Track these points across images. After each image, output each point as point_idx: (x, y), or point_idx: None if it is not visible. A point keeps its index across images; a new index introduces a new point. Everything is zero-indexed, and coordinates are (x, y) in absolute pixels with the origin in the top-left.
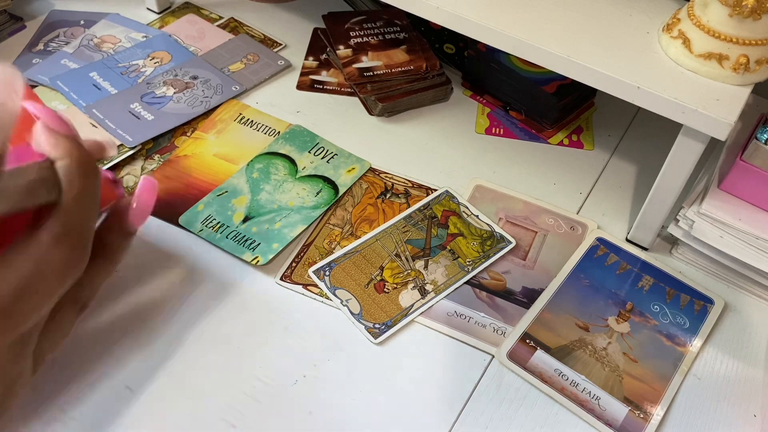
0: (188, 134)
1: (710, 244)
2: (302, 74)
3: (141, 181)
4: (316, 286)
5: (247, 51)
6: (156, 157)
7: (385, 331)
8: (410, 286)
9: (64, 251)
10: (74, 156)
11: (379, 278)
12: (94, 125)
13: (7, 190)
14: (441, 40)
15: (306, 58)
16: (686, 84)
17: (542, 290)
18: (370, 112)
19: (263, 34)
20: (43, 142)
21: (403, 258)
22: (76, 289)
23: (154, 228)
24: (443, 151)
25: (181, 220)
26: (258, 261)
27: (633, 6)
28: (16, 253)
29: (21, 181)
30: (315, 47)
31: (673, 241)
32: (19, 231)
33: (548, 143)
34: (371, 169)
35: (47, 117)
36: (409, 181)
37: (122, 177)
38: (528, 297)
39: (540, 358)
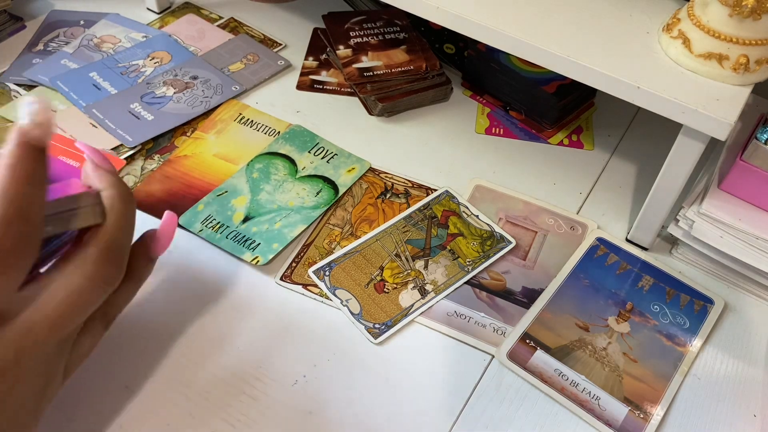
0: (188, 134)
1: (710, 244)
2: (302, 74)
3: (165, 215)
4: (316, 286)
5: (247, 51)
6: (156, 157)
7: (385, 331)
8: (410, 286)
9: (106, 266)
10: (117, 187)
11: (379, 278)
12: (93, 125)
13: (62, 214)
14: (441, 40)
15: (306, 58)
16: (686, 84)
17: (542, 290)
18: (370, 112)
19: (263, 34)
20: (91, 175)
21: (403, 258)
22: (107, 306)
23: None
24: (443, 151)
25: (181, 220)
26: (258, 261)
27: (633, 6)
28: (69, 264)
29: (73, 205)
30: (315, 47)
31: (673, 241)
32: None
33: (548, 143)
34: (371, 169)
35: (93, 154)
36: (409, 181)
37: (122, 177)
38: (528, 297)
39: (540, 358)
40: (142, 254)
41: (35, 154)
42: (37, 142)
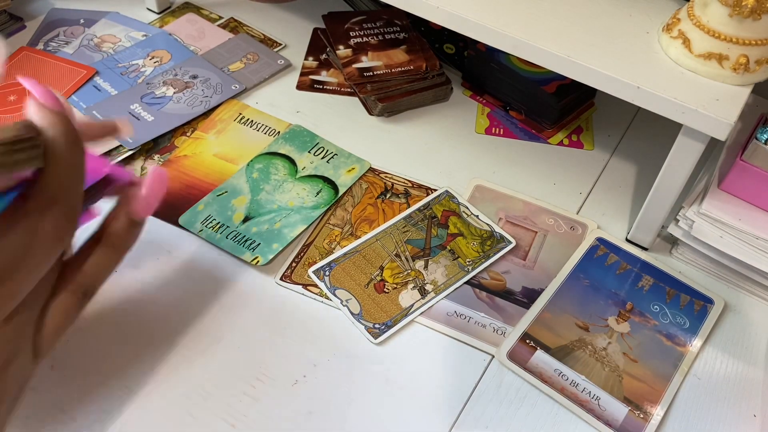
0: (188, 134)
1: (710, 244)
2: (302, 74)
3: (150, 171)
4: (316, 286)
5: (246, 50)
6: (156, 157)
7: (385, 331)
8: (410, 286)
9: (50, 219)
10: (58, 128)
11: (379, 278)
12: None
13: None
14: (441, 40)
15: (306, 58)
16: (686, 84)
17: (542, 290)
18: (370, 112)
19: (263, 34)
20: (31, 114)
21: (403, 258)
22: (75, 274)
23: (153, 228)
24: (443, 151)
25: (181, 220)
26: (258, 261)
27: (633, 6)
28: (3, 222)
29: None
30: (315, 47)
31: (673, 241)
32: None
33: (548, 143)
34: (371, 169)
35: (39, 92)
36: (409, 181)
37: None
38: (528, 297)
39: (540, 358)
40: (123, 216)
41: None
42: None
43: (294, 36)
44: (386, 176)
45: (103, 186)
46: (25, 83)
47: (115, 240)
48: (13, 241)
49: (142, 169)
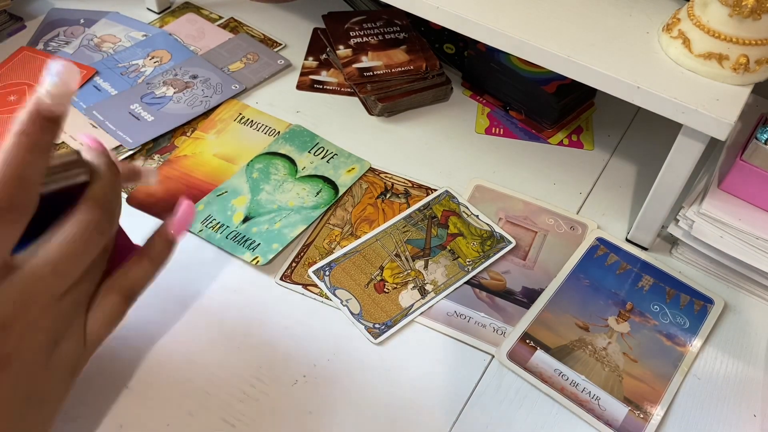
0: (188, 134)
1: (710, 244)
2: (302, 74)
3: (182, 203)
4: (316, 286)
5: (246, 50)
6: (156, 157)
7: (385, 331)
8: (410, 286)
9: (94, 213)
10: (103, 156)
11: (379, 278)
12: (94, 126)
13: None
14: (441, 40)
15: (306, 58)
16: (686, 84)
17: (542, 290)
18: (370, 112)
19: (263, 34)
20: (83, 152)
21: (403, 258)
22: (121, 276)
23: (154, 228)
24: (443, 151)
25: None
26: (258, 261)
27: (633, 6)
28: (62, 220)
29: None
30: (315, 47)
31: (673, 241)
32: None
33: (548, 143)
34: (371, 169)
35: (89, 140)
36: (409, 181)
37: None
38: (528, 297)
39: (540, 358)
40: (161, 233)
41: (44, 124)
42: (49, 113)
43: (294, 36)
44: (386, 176)
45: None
46: (85, 139)
47: (153, 252)
48: (64, 230)
49: None
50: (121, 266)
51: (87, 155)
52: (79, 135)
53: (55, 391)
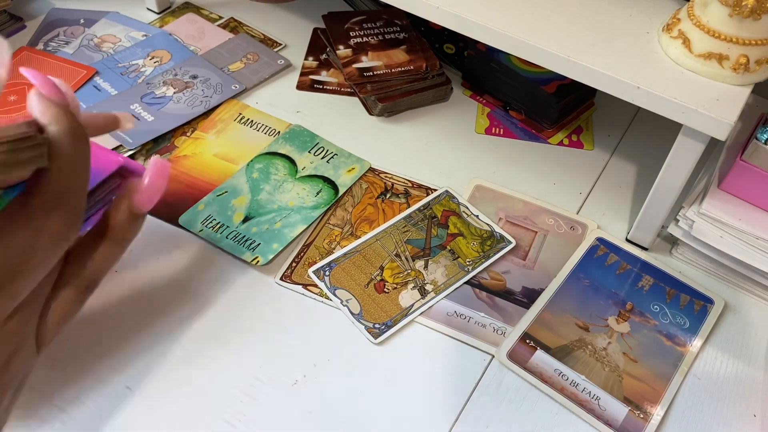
0: (188, 134)
1: (710, 244)
2: (302, 74)
3: (151, 162)
4: (316, 286)
5: (247, 50)
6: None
7: (385, 331)
8: (410, 286)
9: (55, 218)
10: (62, 123)
11: (379, 278)
12: None
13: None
14: (441, 40)
15: (306, 58)
16: (686, 84)
17: (542, 290)
18: (370, 112)
19: (263, 34)
20: (33, 107)
21: (403, 258)
22: (77, 268)
23: (153, 228)
24: (443, 151)
25: (181, 220)
26: (258, 261)
27: (633, 6)
28: (8, 221)
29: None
30: (315, 47)
31: (673, 241)
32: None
33: (548, 143)
34: (371, 169)
35: (42, 84)
36: (409, 181)
37: None
38: (528, 297)
39: (540, 358)
40: (124, 209)
41: None
42: None
43: (294, 36)
44: (386, 176)
45: (117, 181)
46: (27, 74)
47: (116, 233)
48: (17, 241)
49: None
50: (77, 252)
51: (38, 111)
52: (22, 70)
53: (8, 396)
